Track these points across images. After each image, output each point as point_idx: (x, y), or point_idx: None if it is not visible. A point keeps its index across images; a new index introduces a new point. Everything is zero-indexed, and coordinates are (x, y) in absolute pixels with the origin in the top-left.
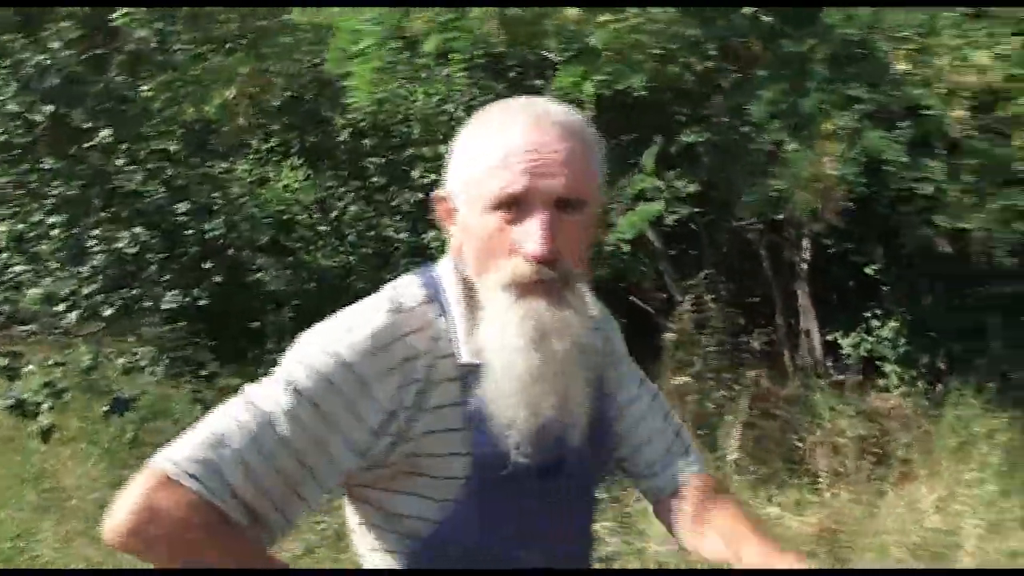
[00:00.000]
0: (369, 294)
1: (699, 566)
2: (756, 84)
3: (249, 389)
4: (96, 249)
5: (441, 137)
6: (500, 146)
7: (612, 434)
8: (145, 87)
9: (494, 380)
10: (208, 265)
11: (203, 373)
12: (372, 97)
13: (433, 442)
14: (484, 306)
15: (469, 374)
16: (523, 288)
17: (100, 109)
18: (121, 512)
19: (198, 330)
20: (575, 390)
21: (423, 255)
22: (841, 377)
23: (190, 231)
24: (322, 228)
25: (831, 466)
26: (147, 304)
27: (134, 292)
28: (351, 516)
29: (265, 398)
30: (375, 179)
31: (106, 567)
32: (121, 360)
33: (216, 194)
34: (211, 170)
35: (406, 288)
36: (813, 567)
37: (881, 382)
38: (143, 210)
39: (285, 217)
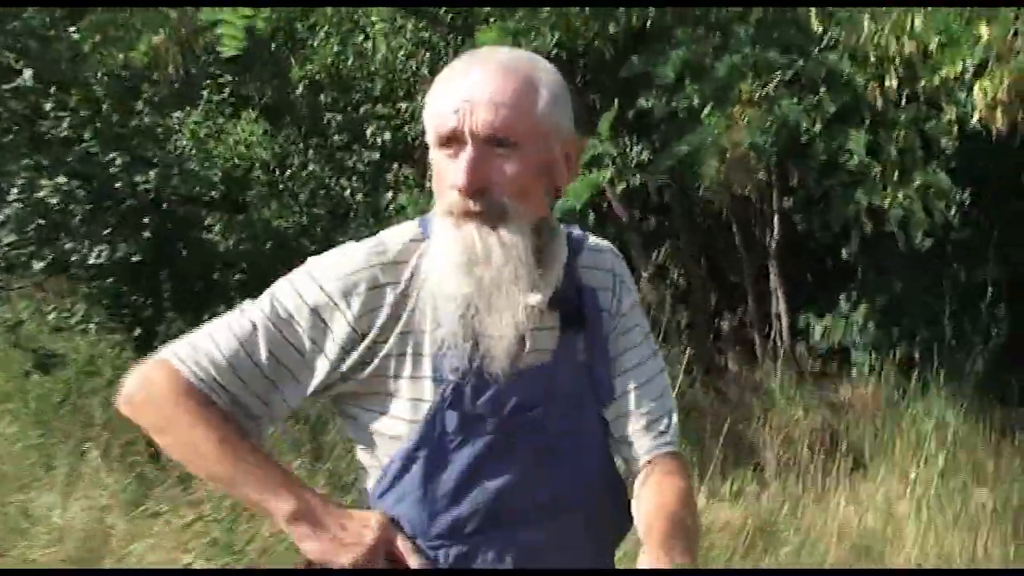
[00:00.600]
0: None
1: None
2: (670, 45)
3: (248, 302)
4: (13, 198)
5: (402, 94)
6: (443, 88)
7: (601, 392)
8: (73, 28)
9: (430, 301)
10: (145, 220)
11: (137, 333)
12: (242, 46)
13: (402, 365)
14: (432, 230)
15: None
16: (456, 218)
17: (20, 48)
18: (125, 384)
19: (137, 288)
20: (508, 314)
21: (379, 218)
22: (810, 364)
23: (120, 183)
24: (281, 186)
25: (780, 456)
26: (74, 259)
27: (60, 246)
28: (346, 429)
29: (253, 307)
30: (338, 137)
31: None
32: (52, 316)
33: (153, 147)
34: (149, 120)
35: (400, 228)
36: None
37: (853, 371)
38: (68, 159)
39: (236, 173)
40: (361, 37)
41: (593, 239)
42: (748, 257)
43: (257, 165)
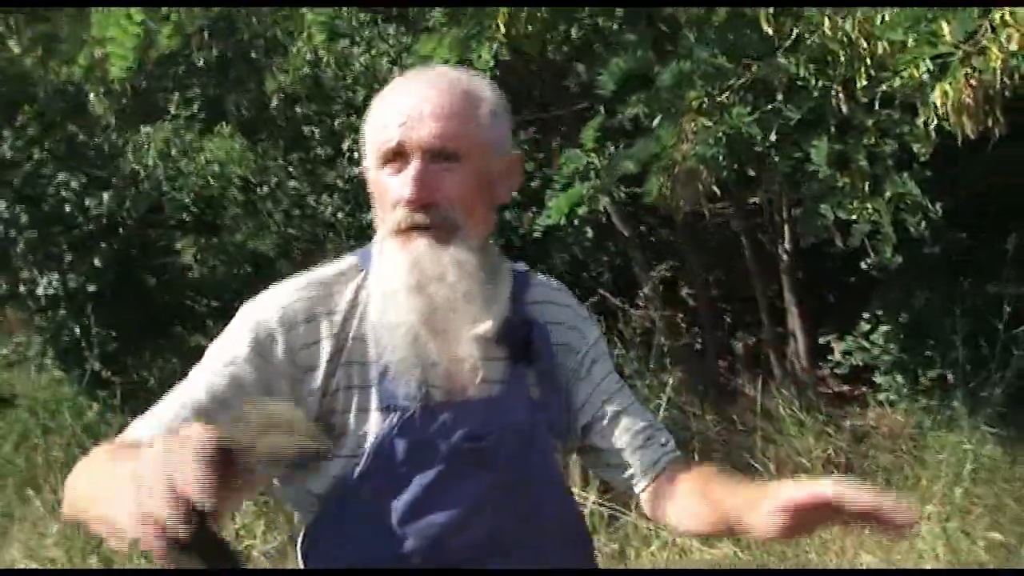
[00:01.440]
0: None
1: (699, 566)
2: (609, 52)
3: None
4: None
5: None
6: (385, 105)
7: (556, 427)
8: (13, 42)
9: (373, 329)
10: (102, 245)
11: (96, 368)
12: (129, 69)
13: (349, 398)
14: (376, 253)
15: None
16: (403, 235)
17: None
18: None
19: (98, 320)
20: (461, 337)
21: (362, 237)
22: (834, 387)
23: (69, 207)
24: (257, 205)
25: None
26: (22, 290)
27: (2, 275)
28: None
29: (193, 373)
30: (320, 150)
31: None
32: (5, 351)
33: (110, 167)
34: (102, 139)
35: (339, 261)
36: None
37: (880, 395)
38: (7, 181)
39: (208, 193)
40: (343, 43)
41: (539, 275)
42: (759, 272)
43: (233, 183)
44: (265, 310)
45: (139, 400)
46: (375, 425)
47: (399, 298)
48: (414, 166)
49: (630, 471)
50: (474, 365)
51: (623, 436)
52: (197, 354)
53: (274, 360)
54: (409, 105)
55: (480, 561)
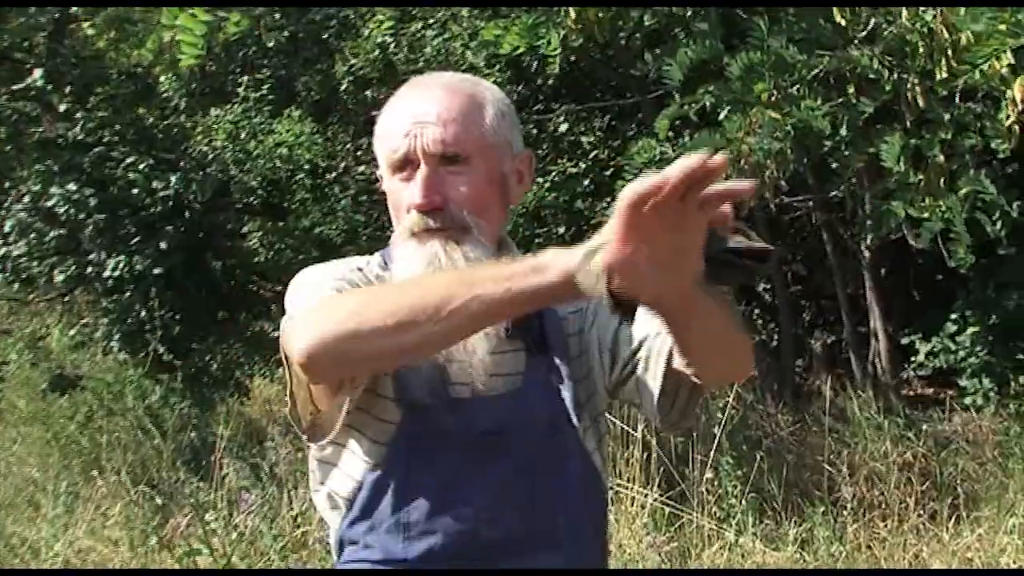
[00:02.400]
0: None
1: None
2: (679, 42)
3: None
4: (20, 207)
5: None
6: (390, 115)
7: (576, 412)
8: (87, 24)
9: None
10: (168, 228)
11: (159, 351)
12: (198, 57)
13: (373, 383)
14: (394, 255)
15: None
16: (419, 237)
17: (28, 46)
18: (288, 347)
19: (163, 303)
20: (477, 335)
21: None
22: (918, 390)
23: (137, 189)
24: (325, 190)
25: (863, 497)
26: (90, 271)
27: (72, 258)
28: (312, 484)
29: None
30: None
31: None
32: (73, 332)
33: (177, 150)
34: (173, 120)
35: (368, 257)
36: None
37: (966, 399)
38: (78, 164)
39: (277, 176)
40: (416, 25)
41: None
42: (841, 267)
43: (302, 167)
44: (328, 280)
45: (202, 384)
46: (392, 414)
47: None
48: (422, 172)
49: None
50: (489, 361)
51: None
52: (260, 339)
53: None
54: (413, 113)
55: (516, 555)
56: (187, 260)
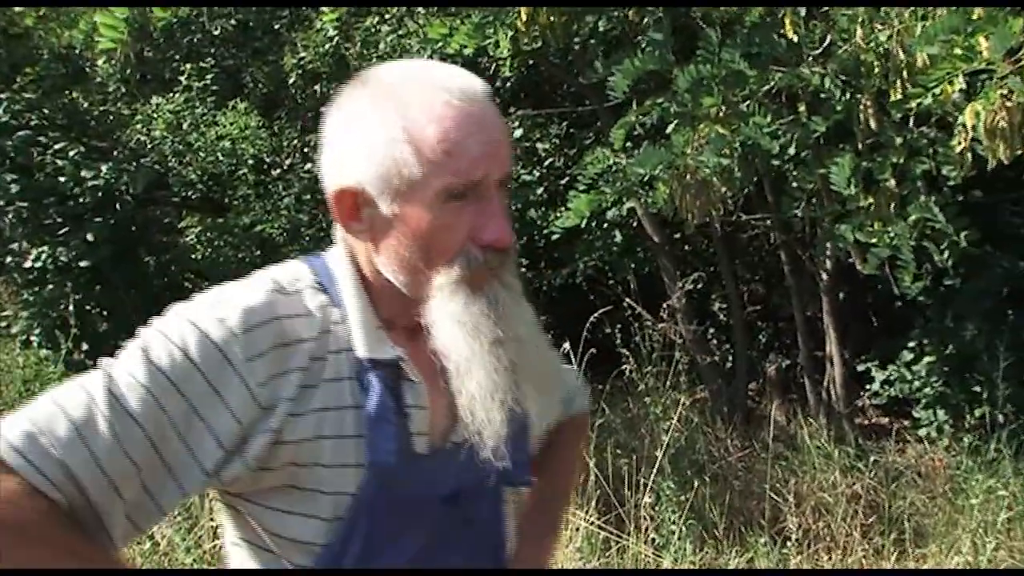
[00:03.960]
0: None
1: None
2: (630, 52)
3: (108, 361)
4: None
5: None
6: (437, 131)
7: (518, 473)
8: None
9: (464, 383)
10: (98, 220)
11: (83, 348)
12: (120, 42)
13: (320, 450)
14: (435, 305)
15: (367, 372)
16: (472, 282)
17: None
18: None
19: (90, 298)
20: (480, 377)
21: None
22: (872, 420)
23: (64, 177)
24: (269, 187)
25: (809, 528)
26: (9, 261)
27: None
28: (229, 532)
29: (119, 372)
30: None
31: None
32: None
33: (110, 139)
34: (109, 108)
35: (292, 271)
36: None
37: (921, 431)
38: (1, 147)
39: (218, 170)
40: (372, 20)
41: None
42: (798, 290)
43: (245, 162)
44: (222, 328)
45: None
46: (351, 486)
47: (477, 355)
48: (498, 201)
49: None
50: (450, 407)
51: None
52: None
53: (228, 398)
54: (477, 129)
55: None
56: (116, 254)
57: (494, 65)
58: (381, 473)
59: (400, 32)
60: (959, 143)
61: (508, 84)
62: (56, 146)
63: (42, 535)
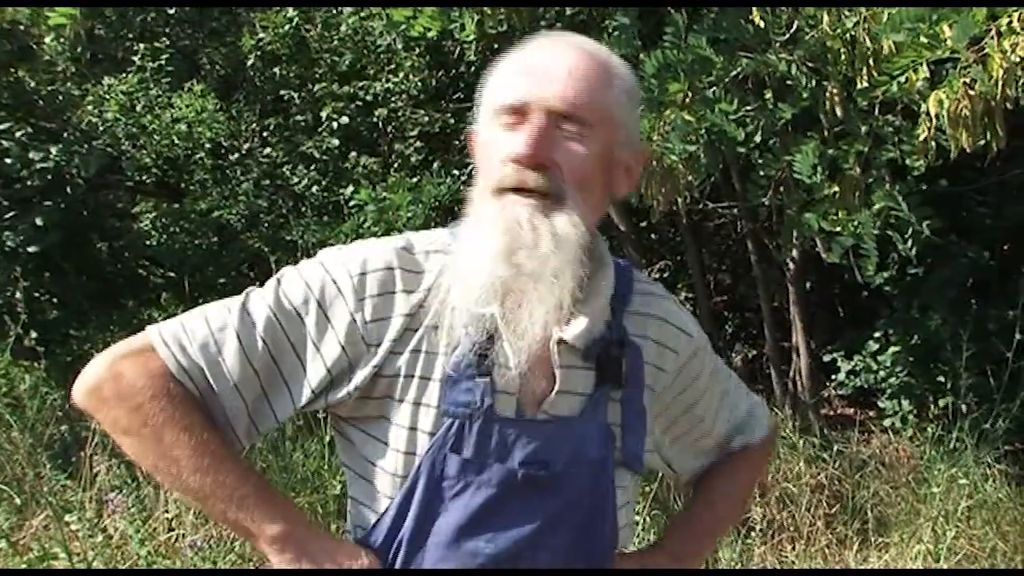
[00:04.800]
0: (259, 256)
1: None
2: (595, 36)
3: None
4: None
5: (373, 73)
6: (514, 60)
7: (630, 463)
8: None
9: (450, 315)
10: (46, 203)
11: (32, 336)
12: (71, 17)
13: (408, 387)
14: (472, 210)
15: (465, 325)
16: (505, 196)
17: None
18: (89, 368)
19: (38, 284)
20: (536, 316)
21: (338, 214)
22: (838, 410)
23: (11, 159)
24: (226, 171)
25: (773, 518)
26: None
27: None
28: (342, 457)
29: (255, 295)
30: (298, 117)
31: None
32: None
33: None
34: (59, 88)
35: (428, 234)
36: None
37: (886, 421)
38: None
39: (170, 155)
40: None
41: (641, 276)
42: (765, 279)
43: (202, 146)
44: (343, 270)
45: (78, 373)
46: (428, 423)
47: (484, 262)
48: (535, 121)
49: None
50: (550, 374)
51: (697, 458)
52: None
53: (338, 329)
54: (540, 61)
55: None
56: (67, 239)
57: (458, 48)
58: (453, 423)
59: (362, 14)
60: (923, 132)
61: (472, 68)
62: (1, 127)
63: (184, 408)
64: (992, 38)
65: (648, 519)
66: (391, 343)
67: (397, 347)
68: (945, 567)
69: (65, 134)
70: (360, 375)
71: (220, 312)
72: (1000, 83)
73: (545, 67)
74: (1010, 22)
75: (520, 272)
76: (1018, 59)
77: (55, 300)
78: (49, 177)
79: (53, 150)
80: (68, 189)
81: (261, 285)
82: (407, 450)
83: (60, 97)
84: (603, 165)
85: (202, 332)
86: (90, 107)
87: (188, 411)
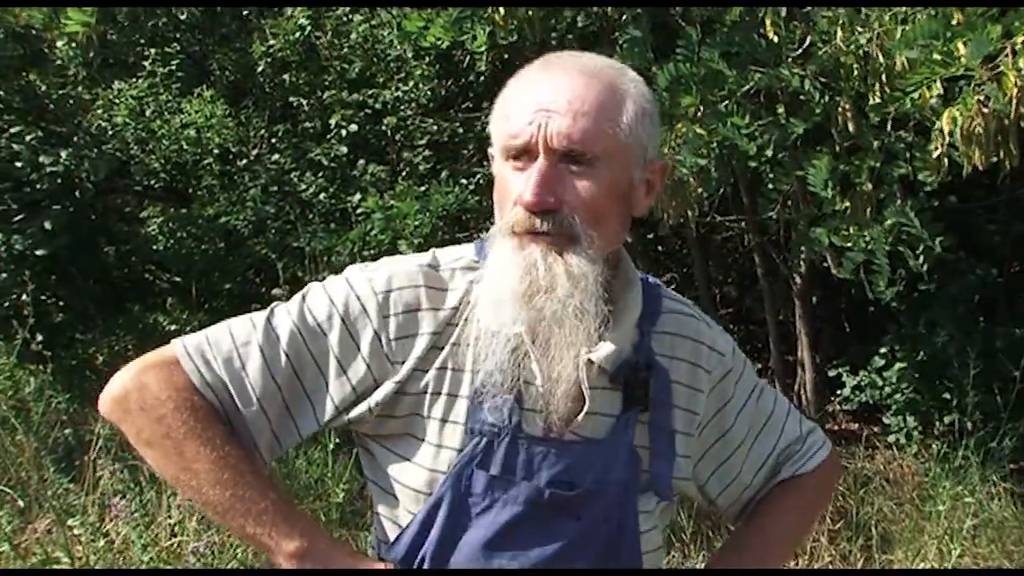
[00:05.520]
0: (266, 262)
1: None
2: (607, 49)
3: (277, 302)
4: None
5: (382, 81)
6: (516, 94)
7: (658, 489)
8: None
9: (476, 334)
10: (55, 207)
11: (39, 339)
12: (87, 25)
13: (435, 404)
14: (490, 253)
15: (491, 343)
16: (520, 238)
17: None
18: (116, 379)
19: (45, 287)
20: (565, 356)
21: (345, 222)
22: (843, 425)
23: (21, 163)
24: (235, 177)
25: None
26: None
27: None
28: (367, 472)
29: (280, 310)
30: (307, 124)
31: None
32: None
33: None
34: (70, 91)
35: (454, 250)
36: None
37: (891, 437)
38: None
39: (183, 159)
40: (343, 8)
41: (671, 294)
42: (771, 293)
43: (210, 151)
44: (368, 287)
45: (84, 378)
46: (455, 441)
47: (505, 303)
48: (539, 166)
49: (734, 509)
50: (578, 395)
51: (739, 489)
52: (153, 333)
53: (363, 346)
54: (541, 97)
55: None
56: (75, 243)
57: (468, 58)
58: (480, 440)
59: (373, 22)
60: (936, 148)
61: (482, 79)
62: (12, 130)
63: (206, 421)
64: (1007, 56)
65: None
66: (416, 360)
67: (422, 364)
68: None
69: (75, 138)
70: (381, 392)
71: (245, 326)
72: (1014, 101)
73: (548, 102)
74: None
75: (540, 317)
76: None
77: (62, 304)
78: (58, 181)
79: (63, 154)
80: (77, 193)
81: (267, 291)
82: (432, 467)
83: (71, 101)
84: (617, 194)
85: (226, 346)
86: (100, 111)
87: (210, 424)
